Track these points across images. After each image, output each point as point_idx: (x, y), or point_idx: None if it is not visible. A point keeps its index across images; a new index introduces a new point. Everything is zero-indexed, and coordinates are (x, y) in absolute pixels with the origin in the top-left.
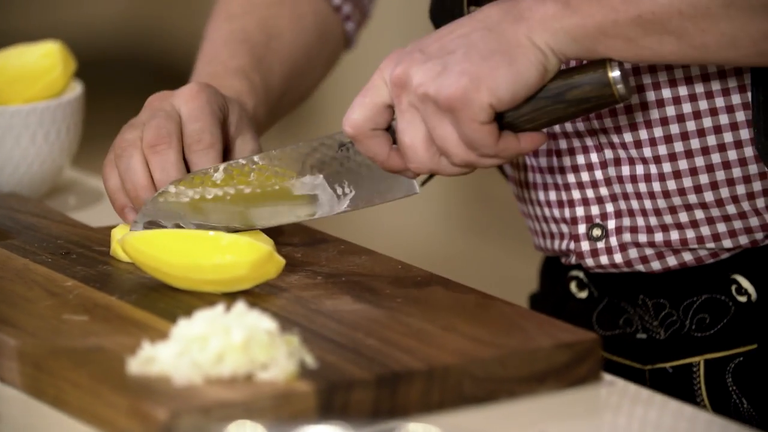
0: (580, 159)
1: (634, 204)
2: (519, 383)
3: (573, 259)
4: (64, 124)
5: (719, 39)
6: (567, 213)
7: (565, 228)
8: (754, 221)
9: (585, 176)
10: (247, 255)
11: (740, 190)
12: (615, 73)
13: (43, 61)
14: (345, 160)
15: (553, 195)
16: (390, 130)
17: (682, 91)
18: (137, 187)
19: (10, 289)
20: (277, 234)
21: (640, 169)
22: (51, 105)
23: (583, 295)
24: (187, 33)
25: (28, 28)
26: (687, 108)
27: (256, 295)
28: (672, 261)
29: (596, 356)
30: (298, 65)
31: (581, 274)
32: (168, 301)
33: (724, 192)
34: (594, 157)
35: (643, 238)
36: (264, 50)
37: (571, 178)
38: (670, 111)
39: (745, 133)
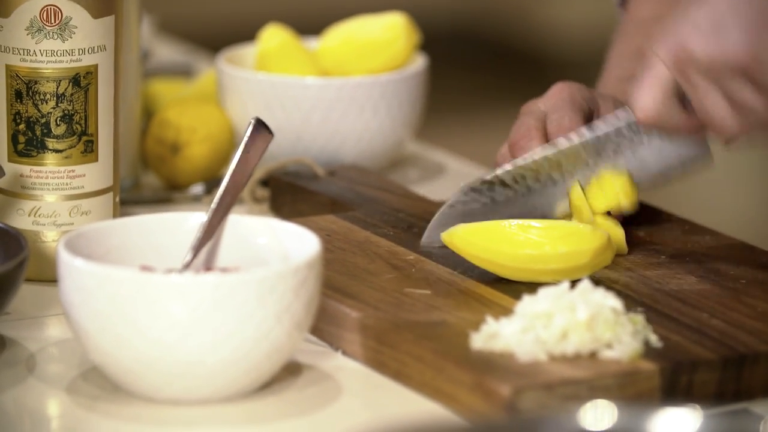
0: None
1: None
2: None
3: None
4: (407, 97)
5: None
6: None
7: None
8: None
9: None
10: (590, 243)
11: None
12: None
13: (387, 33)
14: (635, 139)
15: None
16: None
17: None
18: None
19: (352, 261)
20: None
21: None
22: (394, 77)
23: None
24: (528, 12)
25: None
26: None
27: (599, 274)
28: None
29: None
30: None
31: None
32: None
33: None
34: None
35: None
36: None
37: None
38: None
39: None
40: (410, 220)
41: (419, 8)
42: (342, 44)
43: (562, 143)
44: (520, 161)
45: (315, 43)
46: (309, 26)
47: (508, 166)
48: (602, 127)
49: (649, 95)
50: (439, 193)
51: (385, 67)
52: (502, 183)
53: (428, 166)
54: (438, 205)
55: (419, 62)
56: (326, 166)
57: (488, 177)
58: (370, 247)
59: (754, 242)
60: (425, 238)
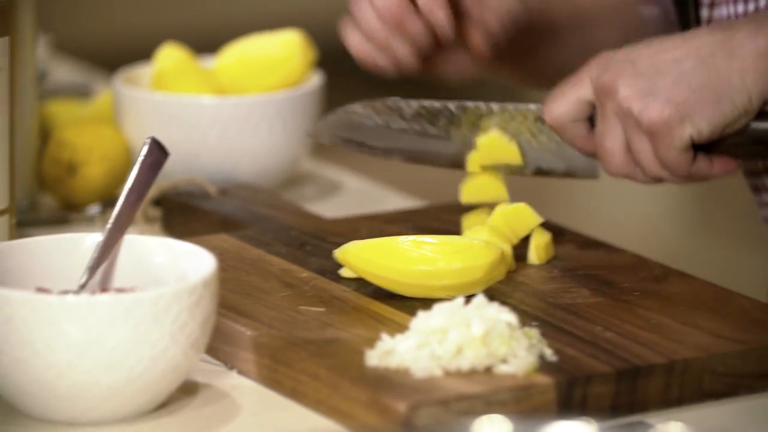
0: None
1: None
2: (759, 379)
3: None
4: (303, 114)
5: None
6: None
7: None
8: None
9: None
10: (484, 258)
11: None
12: None
13: (283, 51)
14: (537, 132)
15: None
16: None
17: None
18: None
19: (245, 280)
20: None
21: None
22: (290, 95)
23: None
24: None
25: (268, 17)
26: None
27: (494, 289)
28: None
29: None
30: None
31: None
32: None
33: None
34: None
35: None
36: None
37: None
38: None
39: None
40: (303, 238)
41: (315, 25)
42: (238, 62)
43: (466, 104)
44: (422, 102)
45: (211, 62)
46: (205, 45)
47: (412, 103)
48: (509, 106)
49: (563, 101)
50: (336, 210)
51: (282, 85)
52: (399, 112)
53: (325, 183)
54: (332, 222)
55: (315, 79)
56: (222, 184)
57: (390, 103)
58: (263, 266)
59: (647, 255)
60: (313, 133)
